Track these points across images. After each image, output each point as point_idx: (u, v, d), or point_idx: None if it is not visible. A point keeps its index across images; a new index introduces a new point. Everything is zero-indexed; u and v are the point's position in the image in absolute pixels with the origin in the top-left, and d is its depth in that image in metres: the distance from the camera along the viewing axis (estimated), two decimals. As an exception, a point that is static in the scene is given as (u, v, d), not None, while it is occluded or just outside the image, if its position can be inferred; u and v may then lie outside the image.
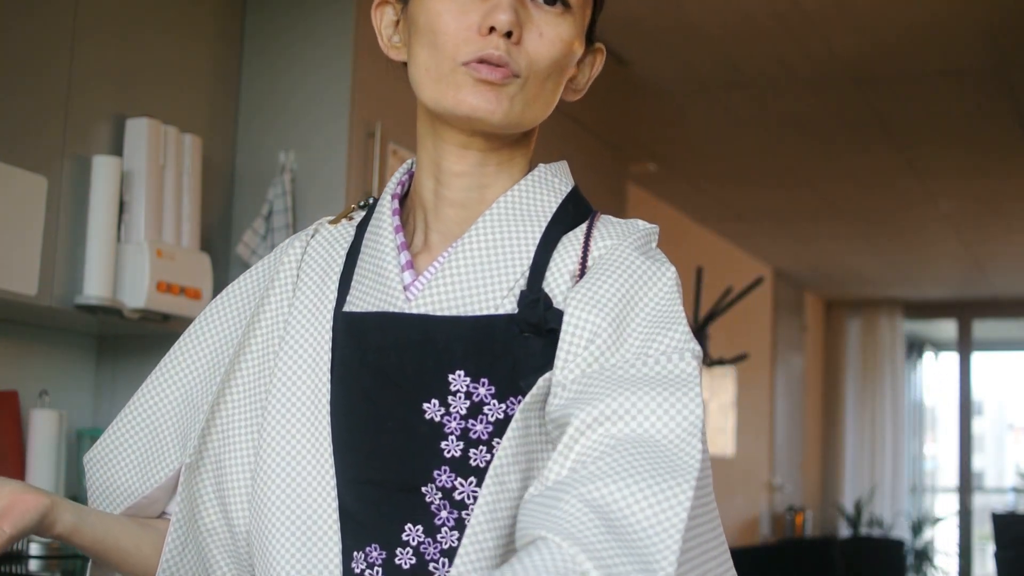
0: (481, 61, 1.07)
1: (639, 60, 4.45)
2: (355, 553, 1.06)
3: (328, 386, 1.10)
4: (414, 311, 1.08)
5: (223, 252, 3.08)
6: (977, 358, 10.26)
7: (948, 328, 10.30)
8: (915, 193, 6.39)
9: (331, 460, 1.08)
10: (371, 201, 1.21)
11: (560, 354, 1.03)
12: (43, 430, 2.70)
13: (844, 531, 9.44)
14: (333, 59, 3.08)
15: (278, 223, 2.99)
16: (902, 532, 9.56)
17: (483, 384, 1.05)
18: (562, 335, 1.03)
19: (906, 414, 10.27)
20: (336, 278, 1.15)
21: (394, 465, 1.06)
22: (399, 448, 1.06)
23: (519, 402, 1.03)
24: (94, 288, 2.61)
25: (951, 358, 10.57)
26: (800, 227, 7.43)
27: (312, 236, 1.20)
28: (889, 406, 10.02)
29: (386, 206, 1.16)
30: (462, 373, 1.05)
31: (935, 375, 11.42)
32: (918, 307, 10.13)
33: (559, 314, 1.05)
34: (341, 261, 1.16)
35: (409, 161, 1.22)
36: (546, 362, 1.04)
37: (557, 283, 1.08)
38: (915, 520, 9.81)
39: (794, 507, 8.65)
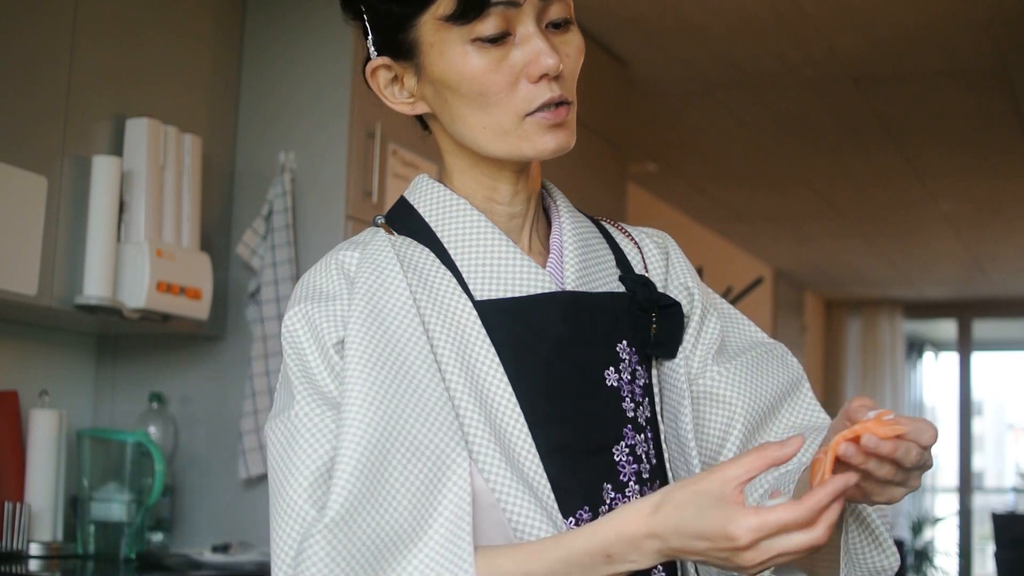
0: (543, 107, 1.14)
1: (639, 60, 4.45)
2: (568, 519, 1.13)
3: (500, 366, 1.13)
4: (569, 288, 1.19)
5: (223, 252, 3.08)
6: (977, 358, 10.26)
7: (948, 328, 10.30)
8: (915, 193, 6.39)
9: (528, 432, 1.12)
10: (382, 220, 1.23)
11: (691, 330, 1.26)
12: (43, 430, 2.70)
13: (844, 531, 9.42)
14: (333, 59, 3.07)
15: (278, 223, 2.99)
16: (902, 532, 9.56)
17: (633, 352, 1.21)
18: (692, 317, 1.27)
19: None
20: (448, 276, 1.17)
21: (588, 429, 1.16)
22: (592, 413, 1.16)
23: (647, 368, 1.23)
24: (94, 288, 2.61)
25: (951, 358, 10.57)
26: (800, 227, 7.43)
27: (391, 245, 1.19)
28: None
29: (465, 212, 1.20)
30: (625, 343, 1.20)
31: (935, 375, 11.42)
32: (918, 307, 10.13)
33: (662, 295, 1.24)
34: (436, 262, 1.18)
35: (424, 176, 1.25)
36: (659, 334, 1.23)
37: (637, 270, 1.28)
38: (915, 520, 9.80)
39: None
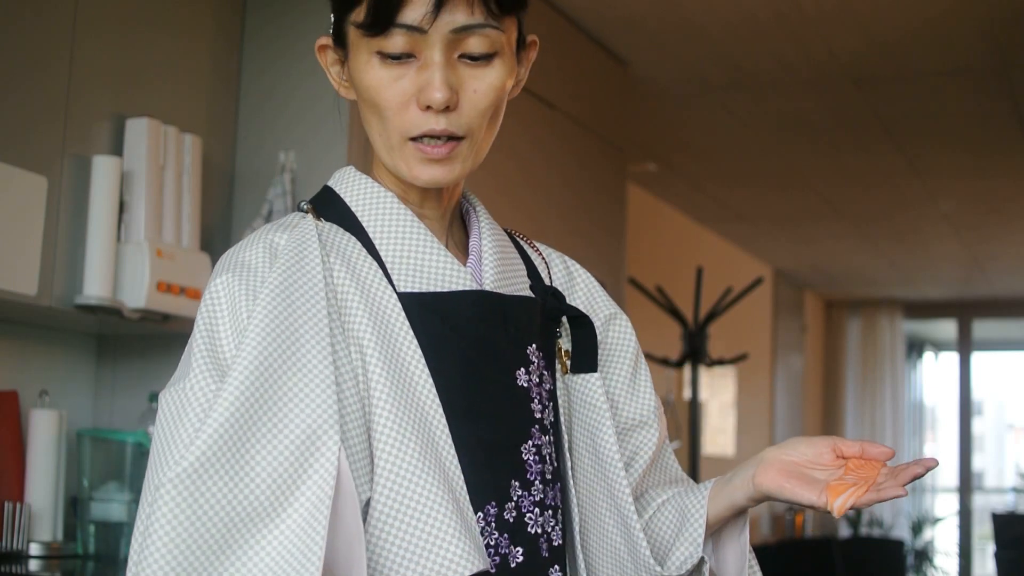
0: (424, 137, 1.16)
1: (639, 60, 4.45)
2: (477, 514, 1.14)
3: (423, 358, 1.14)
4: (487, 289, 1.21)
5: (223, 252, 3.07)
6: (977, 358, 10.27)
7: (948, 328, 10.30)
8: (915, 193, 6.39)
9: (446, 424, 1.13)
10: (308, 205, 1.23)
11: (623, 353, 1.35)
12: (43, 430, 2.70)
13: (844, 531, 9.43)
14: (333, 59, 3.07)
15: (278, 223, 2.99)
16: (902, 532, 9.56)
17: (541, 357, 1.24)
18: (625, 342, 1.35)
19: (906, 414, 10.26)
20: (373, 264, 1.18)
21: (501, 426, 1.18)
22: (504, 411, 1.19)
23: (551, 373, 1.26)
24: (94, 288, 2.61)
25: (951, 358, 10.58)
26: (800, 227, 7.43)
27: (316, 230, 1.20)
28: (889, 406, 10.02)
29: (391, 205, 1.22)
30: (535, 346, 1.24)
31: (935, 375, 11.43)
32: (918, 307, 10.14)
33: (571, 307, 1.29)
34: (362, 251, 1.19)
35: (351, 167, 1.26)
36: (576, 349, 1.28)
37: (544, 280, 1.32)
38: (915, 520, 9.80)
39: (794, 507, 8.65)
